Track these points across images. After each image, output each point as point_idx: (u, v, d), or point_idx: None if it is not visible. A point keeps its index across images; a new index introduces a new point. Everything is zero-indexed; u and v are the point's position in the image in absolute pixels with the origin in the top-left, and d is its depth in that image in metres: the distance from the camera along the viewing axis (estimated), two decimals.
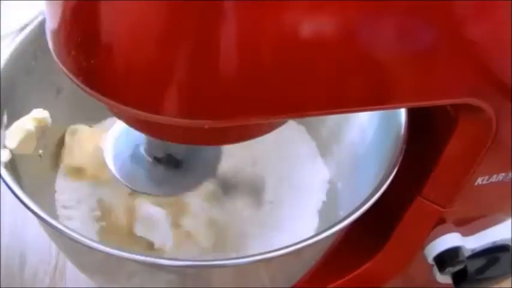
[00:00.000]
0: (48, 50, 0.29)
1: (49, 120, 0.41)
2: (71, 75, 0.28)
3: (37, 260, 0.52)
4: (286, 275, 0.41)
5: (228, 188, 0.46)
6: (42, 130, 0.41)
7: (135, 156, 0.41)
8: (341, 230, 0.35)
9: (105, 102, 0.28)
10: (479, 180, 0.39)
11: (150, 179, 0.40)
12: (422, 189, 0.40)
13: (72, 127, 0.47)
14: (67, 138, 0.46)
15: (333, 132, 0.49)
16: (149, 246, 0.43)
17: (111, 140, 0.41)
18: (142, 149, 0.40)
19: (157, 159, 0.40)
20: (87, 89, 0.28)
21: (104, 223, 0.45)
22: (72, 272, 0.51)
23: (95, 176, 0.46)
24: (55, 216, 0.44)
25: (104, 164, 0.41)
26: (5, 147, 0.39)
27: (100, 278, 0.43)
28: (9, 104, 0.40)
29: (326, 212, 0.46)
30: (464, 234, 0.44)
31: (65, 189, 0.47)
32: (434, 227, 0.42)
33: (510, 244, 0.44)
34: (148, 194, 0.41)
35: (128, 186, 0.40)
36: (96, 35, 0.27)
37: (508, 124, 0.35)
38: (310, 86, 0.28)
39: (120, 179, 0.40)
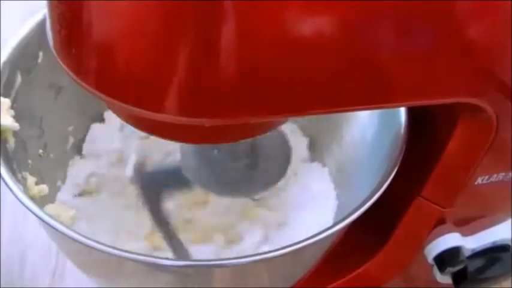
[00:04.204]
0: (48, 49, 0.30)
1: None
2: (71, 73, 0.28)
3: (37, 260, 0.52)
4: (286, 275, 0.41)
5: None
6: None
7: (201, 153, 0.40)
8: (341, 230, 0.35)
9: (105, 100, 0.28)
10: (479, 180, 0.39)
11: (220, 180, 0.40)
12: (422, 189, 0.40)
13: None
14: None
15: (333, 132, 0.49)
16: None
17: None
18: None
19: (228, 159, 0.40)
20: (88, 86, 0.28)
21: None
22: (72, 272, 0.51)
23: None
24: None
25: None
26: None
27: (100, 277, 0.43)
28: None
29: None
30: (464, 234, 0.44)
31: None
32: (434, 227, 0.42)
33: (510, 244, 0.44)
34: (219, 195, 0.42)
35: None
36: (97, 34, 0.27)
37: (508, 124, 0.35)
38: (309, 85, 0.28)
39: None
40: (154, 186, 0.45)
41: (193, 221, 0.45)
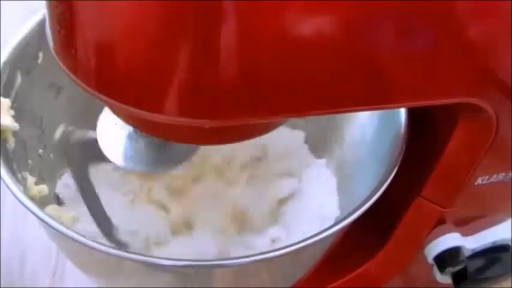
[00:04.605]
0: (48, 49, 0.30)
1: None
2: (71, 74, 0.28)
3: (37, 260, 0.52)
4: (287, 275, 0.41)
5: None
6: None
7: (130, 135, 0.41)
8: (341, 230, 0.35)
9: (104, 101, 0.28)
10: (479, 180, 0.39)
11: (138, 155, 0.40)
12: (422, 189, 0.40)
13: None
14: None
15: (333, 133, 0.49)
16: None
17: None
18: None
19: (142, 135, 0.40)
20: (87, 87, 0.28)
21: None
22: (72, 272, 0.51)
23: None
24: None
25: None
26: None
27: (100, 277, 0.44)
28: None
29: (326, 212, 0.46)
30: (464, 234, 0.44)
31: None
32: (434, 227, 0.42)
33: (510, 244, 0.44)
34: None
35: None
36: (97, 34, 0.27)
37: (508, 124, 0.35)
38: (310, 85, 0.28)
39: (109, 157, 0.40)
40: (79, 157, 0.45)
41: None
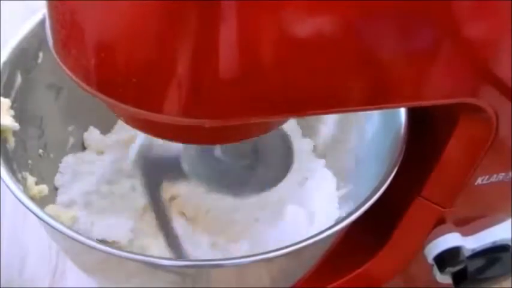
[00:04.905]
0: (48, 49, 0.30)
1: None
2: (71, 74, 0.28)
3: (37, 260, 0.52)
4: (286, 275, 0.41)
5: None
6: None
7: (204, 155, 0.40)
8: (341, 230, 0.35)
9: (105, 100, 0.28)
10: (479, 180, 0.39)
11: (225, 178, 0.40)
12: (422, 189, 0.40)
13: None
14: None
15: (333, 133, 0.49)
16: None
17: None
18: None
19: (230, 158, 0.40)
20: (87, 87, 0.28)
21: None
22: (72, 272, 0.51)
23: None
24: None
25: None
26: None
27: (100, 277, 0.44)
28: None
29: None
30: (464, 234, 0.44)
31: None
32: (434, 227, 0.42)
33: (510, 244, 0.44)
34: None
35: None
36: (97, 34, 0.27)
37: (508, 124, 0.35)
38: (310, 85, 0.28)
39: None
40: (155, 172, 0.45)
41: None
